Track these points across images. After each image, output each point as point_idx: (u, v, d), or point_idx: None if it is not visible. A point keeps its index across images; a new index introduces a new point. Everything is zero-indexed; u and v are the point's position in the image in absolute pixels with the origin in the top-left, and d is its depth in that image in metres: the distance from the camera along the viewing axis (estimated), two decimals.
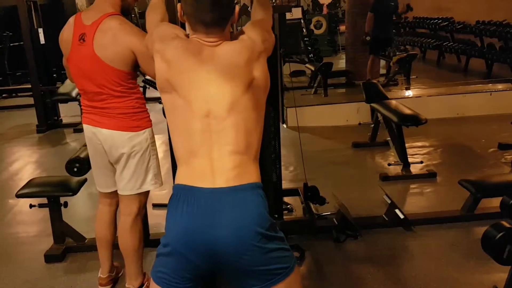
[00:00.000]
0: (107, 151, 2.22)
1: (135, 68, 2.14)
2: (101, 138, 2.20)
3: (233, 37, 1.48)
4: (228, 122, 1.34)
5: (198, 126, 1.34)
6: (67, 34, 2.17)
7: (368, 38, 7.24)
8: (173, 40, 1.44)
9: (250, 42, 1.44)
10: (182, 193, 1.33)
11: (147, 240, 2.66)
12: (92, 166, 2.40)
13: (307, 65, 8.13)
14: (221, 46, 1.41)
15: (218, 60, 1.38)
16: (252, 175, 1.36)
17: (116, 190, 2.34)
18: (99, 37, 2.06)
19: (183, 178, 1.36)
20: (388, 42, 7.42)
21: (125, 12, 2.21)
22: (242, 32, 1.49)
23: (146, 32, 1.68)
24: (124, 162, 2.21)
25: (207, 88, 1.36)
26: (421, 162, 4.22)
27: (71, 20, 2.18)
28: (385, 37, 7.30)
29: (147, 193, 2.35)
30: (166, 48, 1.42)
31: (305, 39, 9.11)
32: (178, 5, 1.46)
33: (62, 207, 2.95)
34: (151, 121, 2.26)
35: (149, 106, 2.32)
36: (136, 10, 9.18)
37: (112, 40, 2.05)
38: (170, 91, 1.40)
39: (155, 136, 2.31)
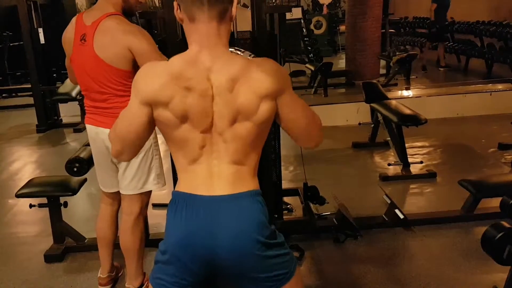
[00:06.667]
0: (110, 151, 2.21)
1: (136, 67, 2.13)
2: (104, 138, 2.19)
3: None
4: (228, 137, 1.28)
5: (198, 139, 1.28)
6: (69, 34, 2.17)
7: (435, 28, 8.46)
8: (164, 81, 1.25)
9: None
10: (181, 200, 1.31)
11: (147, 240, 2.66)
12: (96, 165, 2.40)
13: (307, 65, 8.14)
14: (223, 58, 1.27)
15: (219, 74, 1.25)
16: (250, 184, 1.33)
17: (119, 190, 2.34)
18: (98, 38, 2.07)
19: (182, 185, 1.34)
20: (446, 30, 8.67)
21: (128, 13, 2.20)
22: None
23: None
24: (126, 162, 2.21)
25: (208, 103, 1.26)
26: (421, 162, 4.22)
27: (73, 20, 2.19)
28: (444, 26, 8.53)
29: (149, 193, 2.36)
30: (169, 101, 1.25)
31: (305, 39, 9.12)
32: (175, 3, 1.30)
33: (62, 207, 2.95)
34: None
35: None
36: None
37: (111, 40, 2.05)
38: (184, 121, 1.27)
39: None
